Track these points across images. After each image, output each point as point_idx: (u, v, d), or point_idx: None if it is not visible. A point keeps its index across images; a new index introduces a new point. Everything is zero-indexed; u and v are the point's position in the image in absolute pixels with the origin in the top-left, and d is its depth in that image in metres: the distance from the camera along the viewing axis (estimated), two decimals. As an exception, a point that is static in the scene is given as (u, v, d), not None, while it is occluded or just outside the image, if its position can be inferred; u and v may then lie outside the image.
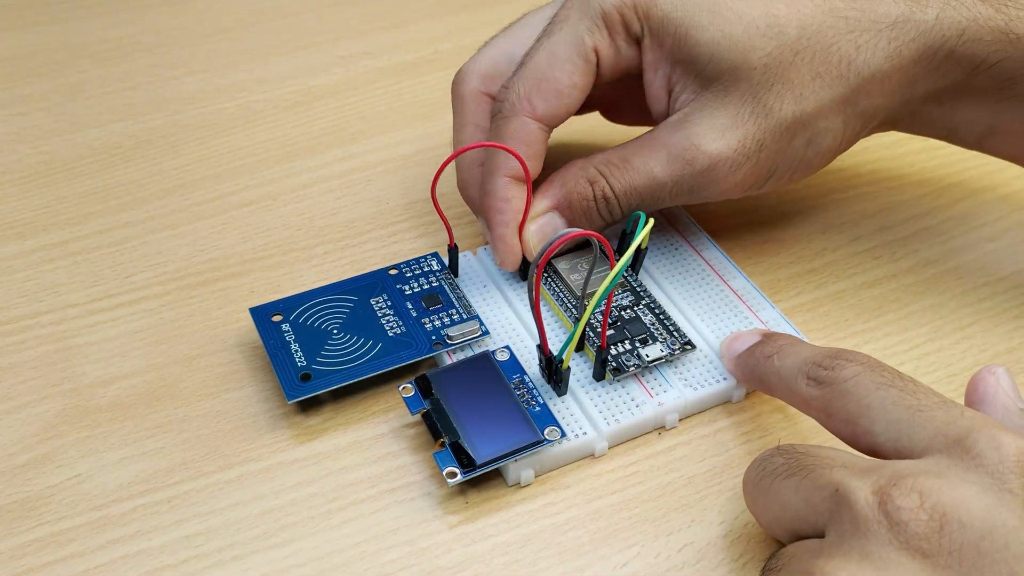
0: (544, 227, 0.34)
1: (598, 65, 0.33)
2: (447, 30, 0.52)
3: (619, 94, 0.38)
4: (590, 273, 0.31)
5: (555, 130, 0.34)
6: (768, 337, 0.31)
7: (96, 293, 0.36)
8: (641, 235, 0.30)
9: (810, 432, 0.31)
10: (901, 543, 0.21)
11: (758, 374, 0.30)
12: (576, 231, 0.27)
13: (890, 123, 0.35)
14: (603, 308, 0.31)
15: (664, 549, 0.28)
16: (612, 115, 0.40)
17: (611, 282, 0.28)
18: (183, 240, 0.39)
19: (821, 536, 0.24)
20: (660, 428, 0.31)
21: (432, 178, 0.32)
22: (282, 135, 0.45)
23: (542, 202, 0.34)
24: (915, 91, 0.33)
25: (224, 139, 0.44)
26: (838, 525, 0.23)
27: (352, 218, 0.40)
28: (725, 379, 0.32)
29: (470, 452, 0.29)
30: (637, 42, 0.33)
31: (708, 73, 0.32)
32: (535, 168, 0.34)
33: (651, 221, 0.31)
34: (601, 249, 0.29)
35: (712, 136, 0.32)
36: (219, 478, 0.30)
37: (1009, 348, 0.34)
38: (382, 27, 0.52)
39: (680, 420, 0.32)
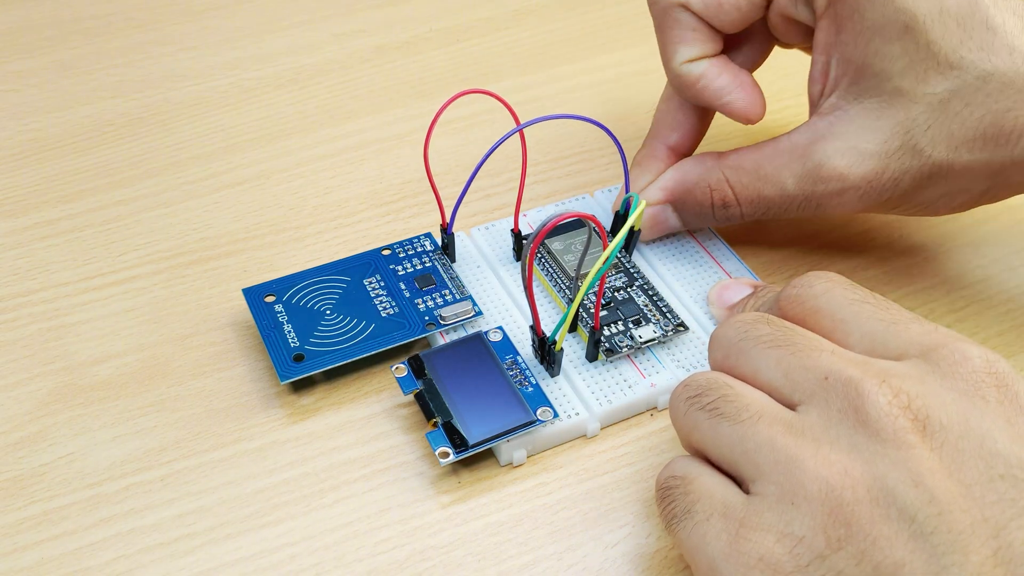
0: (656, 216, 0.34)
1: (768, 4, 0.32)
2: (441, 8, 0.52)
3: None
4: (584, 254, 0.30)
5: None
6: (759, 290, 0.31)
7: (88, 272, 0.36)
8: (633, 217, 0.30)
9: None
10: (888, 435, 0.22)
11: None
12: (570, 213, 0.27)
13: None
14: (596, 289, 0.31)
15: (655, 529, 0.28)
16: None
17: (604, 264, 0.28)
18: (175, 219, 0.39)
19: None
20: (652, 409, 0.31)
21: (425, 153, 0.32)
22: (275, 113, 0.44)
23: (657, 192, 0.34)
24: None
25: (217, 117, 0.44)
26: (824, 409, 0.23)
27: (345, 197, 0.40)
28: (717, 361, 0.32)
29: (463, 432, 0.29)
30: (814, 13, 0.31)
31: (869, 87, 0.30)
32: (708, 45, 0.33)
33: (644, 203, 0.31)
34: (594, 231, 0.29)
35: (850, 159, 0.30)
36: (212, 457, 0.30)
37: (1001, 331, 0.34)
38: (376, 5, 0.52)
39: (672, 401, 0.32)
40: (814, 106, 0.32)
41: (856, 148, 0.30)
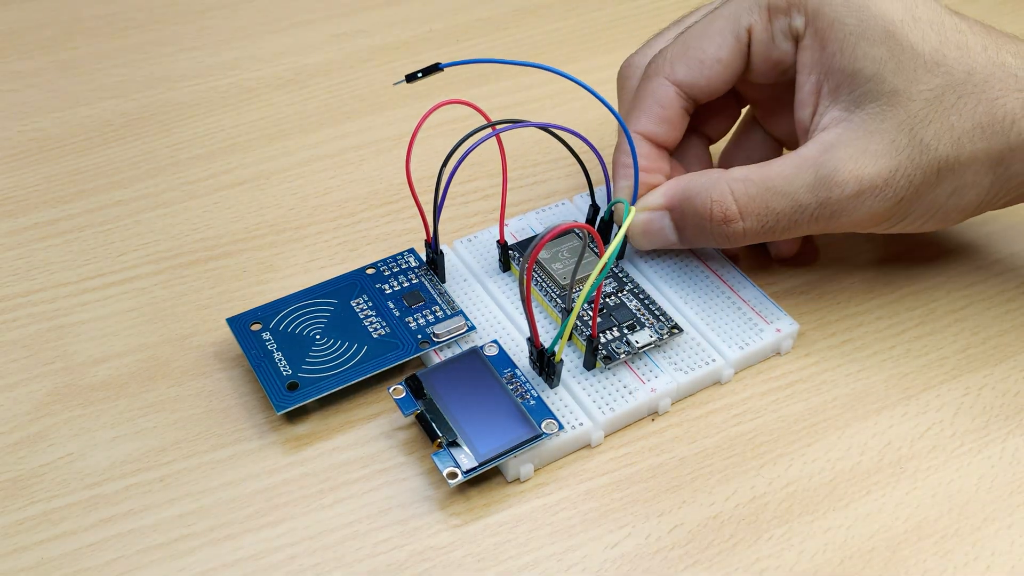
0: (650, 224, 0.33)
1: (749, 48, 0.33)
2: (441, 8, 0.52)
3: (775, 98, 0.36)
4: (578, 263, 0.30)
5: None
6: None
7: (88, 272, 0.36)
8: (626, 224, 0.30)
9: (797, 416, 0.31)
10: None
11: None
12: (569, 223, 0.26)
13: None
14: (592, 297, 0.31)
15: (655, 530, 0.28)
16: (766, 119, 0.38)
17: (600, 273, 0.28)
18: (175, 219, 0.39)
19: None
20: (653, 414, 0.31)
21: (411, 162, 0.32)
22: (275, 114, 0.44)
23: (657, 197, 0.33)
24: None
25: (217, 117, 0.44)
26: None
27: (345, 198, 0.40)
28: (714, 360, 0.32)
29: (469, 451, 0.28)
30: (795, 40, 0.32)
31: (866, 92, 0.30)
32: (667, 132, 0.34)
33: (635, 210, 0.30)
34: (591, 240, 0.29)
35: (864, 162, 0.30)
36: (211, 457, 0.30)
37: (1001, 331, 0.34)
38: (376, 5, 0.52)
39: (672, 404, 0.32)
40: (804, 131, 0.32)
41: (867, 150, 0.30)
